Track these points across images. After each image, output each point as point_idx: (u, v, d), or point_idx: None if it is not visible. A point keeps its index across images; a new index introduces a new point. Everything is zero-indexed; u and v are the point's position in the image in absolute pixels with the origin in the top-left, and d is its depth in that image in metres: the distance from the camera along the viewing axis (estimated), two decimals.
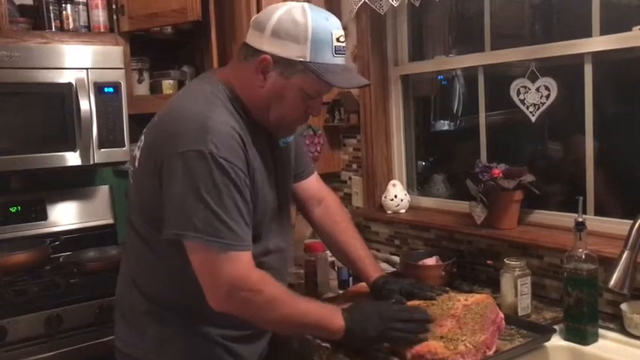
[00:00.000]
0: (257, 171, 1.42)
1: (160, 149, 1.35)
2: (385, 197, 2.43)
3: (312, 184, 1.80)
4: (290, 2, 1.41)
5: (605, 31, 1.81)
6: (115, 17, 2.58)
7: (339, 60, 1.40)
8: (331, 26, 1.38)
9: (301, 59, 1.35)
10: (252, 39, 1.41)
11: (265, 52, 1.37)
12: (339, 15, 2.60)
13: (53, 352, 2.05)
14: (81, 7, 2.54)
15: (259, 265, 1.39)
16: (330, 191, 1.86)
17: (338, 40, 1.39)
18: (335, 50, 1.38)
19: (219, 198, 1.29)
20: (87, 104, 2.35)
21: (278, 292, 1.38)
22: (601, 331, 1.59)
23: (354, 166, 2.67)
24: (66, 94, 2.33)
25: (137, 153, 1.46)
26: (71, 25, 2.51)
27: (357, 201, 2.64)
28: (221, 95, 1.42)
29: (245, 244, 1.33)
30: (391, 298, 1.58)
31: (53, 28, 2.49)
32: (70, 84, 2.34)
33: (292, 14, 1.36)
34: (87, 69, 2.38)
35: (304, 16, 1.35)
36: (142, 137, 1.47)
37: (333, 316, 1.42)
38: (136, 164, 1.46)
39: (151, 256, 1.46)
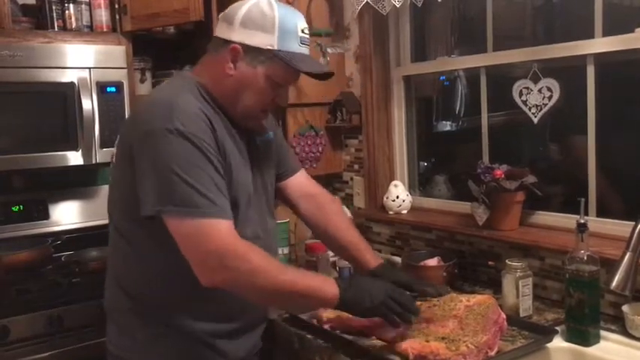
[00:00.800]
0: (229, 153, 1.43)
1: (128, 136, 1.39)
2: (387, 198, 2.43)
3: (301, 183, 1.79)
4: None
5: (607, 32, 1.81)
6: (117, 17, 2.58)
7: (305, 50, 1.47)
8: (297, 18, 1.46)
9: (269, 47, 1.41)
10: (221, 31, 1.46)
11: (234, 42, 1.42)
12: (341, 15, 2.60)
13: (55, 351, 2.05)
14: (83, 6, 2.54)
15: None
16: (321, 188, 1.84)
17: (303, 31, 1.46)
18: (300, 41, 1.45)
19: (192, 171, 1.30)
20: (89, 104, 2.35)
21: (267, 260, 1.36)
22: (603, 332, 1.59)
23: (356, 166, 2.67)
24: (68, 93, 2.34)
25: (115, 149, 1.49)
26: (74, 25, 2.52)
27: (359, 202, 2.64)
28: (191, 87, 1.45)
29: (226, 213, 1.33)
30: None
31: (56, 27, 2.49)
32: (72, 83, 2.34)
33: (260, 6, 1.42)
34: (89, 68, 2.38)
35: (271, 9, 1.42)
36: (119, 135, 1.50)
37: (327, 285, 1.42)
38: (113, 160, 1.48)
39: (132, 253, 1.46)
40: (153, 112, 1.36)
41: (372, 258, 1.69)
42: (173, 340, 1.46)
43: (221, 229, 1.31)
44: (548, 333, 1.57)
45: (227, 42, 1.43)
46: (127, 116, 2.43)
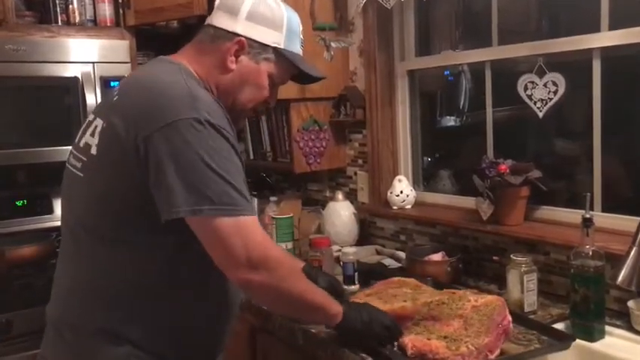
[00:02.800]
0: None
1: (138, 127, 1.19)
2: (391, 193, 2.42)
3: None
4: None
5: (613, 26, 1.79)
6: (121, 11, 2.58)
7: (301, 52, 1.45)
8: (298, 18, 1.44)
9: (276, 45, 1.37)
10: (223, 21, 1.36)
11: (240, 35, 1.35)
12: (345, 9, 2.59)
13: None
14: (87, 1, 2.56)
15: None
16: None
17: (300, 33, 1.45)
18: (301, 43, 1.44)
19: (225, 165, 1.19)
20: (93, 98, 2.35)
21: (294, 266, 1.33)
22: (608, 328, 1.59)
23: (360, 161, 2.66)
24: (72, 88, 2.34)
25: (91, 140, 1.28)
26: (77, 19, 2.52)
27: (363, 196, 2.64)
28: (189, 76, 1.32)
29: (255, 210, 1.27)
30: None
31: (59, 22, 2.50)
32: (76, 78, 2.35)
33: (265, 1, 1.38)
34: (93, 63, 2.39)
35: (277, 5, 1.39)
36: (97, 121, 1.29)
37: (333, 304, 1.40)
38: (93, 152, 1.27)
39: (117, 262, 1.27)
40: (174, 102, 1.20)
41: None
42: None
43: (256, 228, 1.23)
44: (564, 340, 1.50)
45: (229, 33, 1.35)
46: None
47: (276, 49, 1.38)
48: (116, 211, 1.24)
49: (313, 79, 1.52)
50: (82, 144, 1.32)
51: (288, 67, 1.41)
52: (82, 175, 1.30)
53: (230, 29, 1.35)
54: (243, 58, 1.36)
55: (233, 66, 1.35)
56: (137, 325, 1.27)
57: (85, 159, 1.29)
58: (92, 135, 1.29)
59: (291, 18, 1.41)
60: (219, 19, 1.37)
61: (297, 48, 1.42)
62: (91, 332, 1.27)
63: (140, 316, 1.28)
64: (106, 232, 1.26)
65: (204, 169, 1.16)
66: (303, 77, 1.49)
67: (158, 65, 1.38)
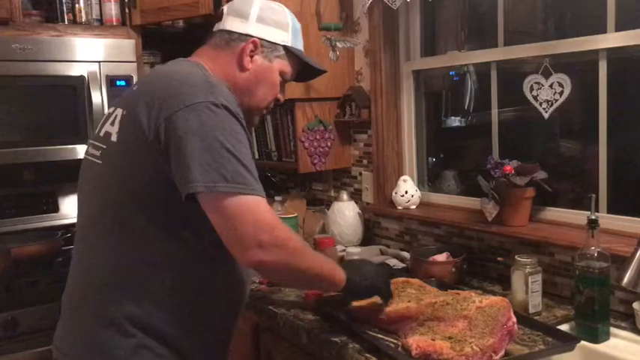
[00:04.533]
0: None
1: (157, 111, 1.25)
2: (395, 193, 2.42)
3: None
4: None
5: (620, 27, 1.79)
6: (127, 10, 2.59)
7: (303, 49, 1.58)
8: (296, 19, 1.56)
9: (284, 43, 1.50)
10: (235, 25, 1.47)
11: (253, 36, 1.46)
12: (351, 9, 2.59)
13: None
14: (93, 0, 2.55)
15: None
16: None
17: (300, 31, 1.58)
18: (301, 41, 1.57)
19: (238, 146, 1.25)
20: (99, 97, 2.36)
21: (302, 241, 1.37)
22: (612, 329, 1.59)
23: (365, 161, 2.66)
24: (78, 86, 2.35)
25: (111, 128, 1.34)
26: (84, 18, 2.53)
27: (367, 197, 2.64)
28: (208, 74, 1.39)
29: (263, 192, 1.29)
30: None
31: (66, 21, 2.50)
32: (82, 77, 2.35)
33: (270, 5, 1.51)
34: (99, 62, 2.40)
35: (281, 7, 1.53)
36: (117, 111, 1.35)
37: (337, 269, 1.47)
38: (113, 139, 1.32)
39: (135, 249, 1.31)
40: (192, 88, 1.28)
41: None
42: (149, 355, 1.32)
43: (265, 207, 1.26)
44: (568, 341, 1.48)
45: (243, 35, 1.45)
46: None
47: (285, 47, 1.50)
48: (135, 195, 1.28)
49: (313, 76, 1.66)
50: (101, 134, 1.38)
51: (295, 63, 1.54)
52: (100, 162, 1.35)
53: (243, 31, 1.46)
54: (257, 57, 1.47)
55: (249, 65, 1.46)
56: (153, 314, 1.30)
57: (104, 147, 1.35)
58: (112, 124, 1.34)
59: (294, 18, 1.54)
60: (232, 24, 1.47)
61: (300, 45, 1.55)
62: (106, 320, 1.30)
63: (156, 303, 1.31)
64: (124, 218, 1.30)
65: (219, 148, 1.22)
66: (304, 74, 1.62)
67: (177, 63, 1.46)
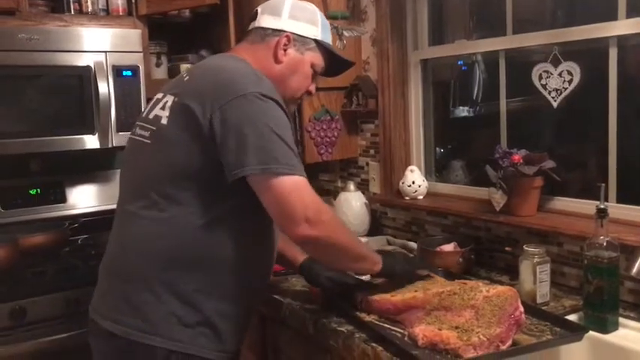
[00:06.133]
0: None
1: (212, 100, 1.37)
2: (403, 183, 2.41)
3: None
4: None
5: (631, 13, 1.76)
6: (133, 0, 2.57)
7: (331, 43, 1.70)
8: (324, 17, 1.68)
9: (315, 37, 1.62)
10: (269, 22, 1.60)
11: (286, 31, 1.58)
12: None
13: (71, 333, 2.07)
14: None
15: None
16: None
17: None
18: (329, 37, 1.68)
19: (286, 132, 1.39)
20: (105, 87, 2.35)
21: (341, 220, 1.63)
22: (621, 319, 1.58)
23: (372, 151, 2.65)
24: (85, 77, 2.34)
25: (161, 112, 1.47)
26: (90, 9, 2.52)
27: (375, 187, 2.63)
28: (247, 64, 1.53)
29: (305, 174, 1.42)
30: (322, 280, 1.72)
31: (72, 11, 2.49)
32: (88, 67, 2.34)
33: (300, 3, 1.64)
34: (105, 52, 2.38)
35: (311, 6, 1.66)
36: (167, 97, 1.48)
37: (373, 252, 1.61)
38: (164, 122, 1.44)
39: (176, 221, 1.41)
40: (243, 79, 1.42)
41: (299, 254, 1.77)
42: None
43: (310, 187, 1.40)
44: (577, 331, 1.46)
45: (277, 31, 1.58)
46: (144, 100, 2.44)
47: (315, 40, 1.62)
48: (181, 173, 1.40)
49: (340, 71, 1.75)
50: (151, 116, 1.50)
51: (325, 56, 1.65)
52: (149, 142, 1.48)
53: (277, 27, 1.59)
54: (291, 50, 1.59)
55: (283, 58, 1.58)
56: (186, 283, 1.41)
57: (154, 128, 1.47)
58: (162, 108, 1.47)
59: (322, 16, 1.66)
60: (266, 21, 1.60)
61: (329, 39, 1.67)
62: (141, 286, 1.41)
63: (190, 273, 1.42)
64: (168, 193, 1.41)
65: (270, 133, 1.35)
66: (331, 69, 1.71)
67: (222, 57, 1.63)
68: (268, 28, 1.59)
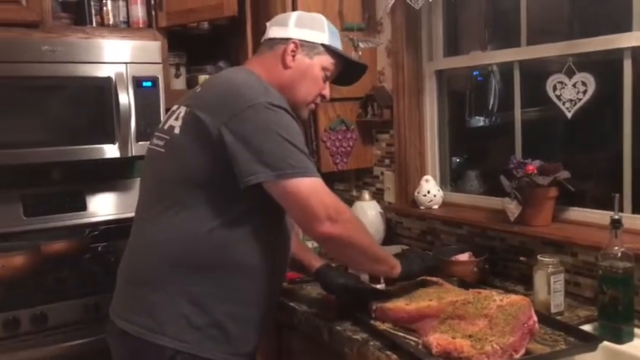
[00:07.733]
0: None
1: (221, 111, 1.43)
2: (418, 193, 2.42)
3: None
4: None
5: None
6: (153, 13, 2.63)
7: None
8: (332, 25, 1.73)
9: (323, 42, 1.65)
10: (277, 32, 1.66)
11: (293, 39, 1.63)
12: (373, 10, 2.61)
13: (90, 339, 2.10)
14: (121, 3, 2.60)
15: (280, 242, 1.59)
16: None
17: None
18: (339, 43, 1.71)
19: (297, 138, 1.44)
20: (125, 98, 2.40)
21: (359, 219, 1.62)
22: (636, 330, 1.57)
23: (387, 161, 2.67)
24: (105, 87, 2.39)
25: (174, 122, 1.53)
26: (111, 21, 2.57)
27: (390, 196, 2.64)
28: (260, 79, 1.57)
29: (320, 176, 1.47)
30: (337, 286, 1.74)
31: (94, 23, 2.55)
32: (109, 78, 2.39)
33: (306, 14, 1.71)
34: (126, 63, 2.43)
35: (318, 15, 1.71)
36: (181, 109, 1.55)
37: (391, 256, 1.64)
38: (176, 132, 1.51)
39: (190, 225, 1.46)
40: (251, 90, 1.47)
41: (315, 259, 1.82)
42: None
43: (326, 188, 1.45)
44: (590, 341, 1.47)
45: (284, 40, 1.63)
46: (163, 111, 2.47)
47: (323, 45, 1.65)
48: (193, 179, 1.46)
49: (354, 79, 1.80)
50: (166, 127, 1.57)
51: (336, 60, 1.68)
52: (163, 150, 1.54)
53: (284, 36, 1.64)
54: (299, 56, 1.63)
55: (292, 63, 1.62)
56: (198, 286, 1.46)
57: (168, 137, 1.54)
58: (176, 119, 1.54)
59: (330, 24, 1.70)
60: (274, 32, 1.67)
61: (339, 45, 1.70)
62: (154, 287, 1.47)
63: (202, 276, 1.46)
64: (181, 198, 1.47)
65: (282, 141, 1.40)
66: (345, 77, 1.76)
67: (231, 70, 1.76)
68: (276, 38, 1.65)
